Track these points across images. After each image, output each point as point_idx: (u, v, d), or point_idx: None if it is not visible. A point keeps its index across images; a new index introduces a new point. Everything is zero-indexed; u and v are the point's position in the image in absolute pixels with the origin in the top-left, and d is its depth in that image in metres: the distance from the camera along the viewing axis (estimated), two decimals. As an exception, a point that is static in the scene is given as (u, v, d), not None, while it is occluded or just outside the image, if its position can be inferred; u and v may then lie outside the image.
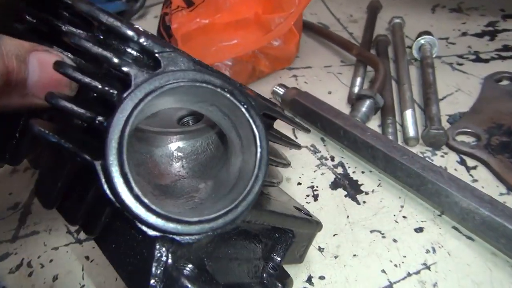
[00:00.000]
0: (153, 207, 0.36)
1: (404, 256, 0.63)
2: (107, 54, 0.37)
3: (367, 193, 0.74)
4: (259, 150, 0.39)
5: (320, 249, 0.65)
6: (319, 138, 0.87)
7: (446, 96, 0.93)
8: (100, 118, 0.37)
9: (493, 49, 1.06)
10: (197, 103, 0.42)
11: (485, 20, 1.18)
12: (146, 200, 0.35)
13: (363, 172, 0.78)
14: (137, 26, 0.38)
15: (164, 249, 0.38)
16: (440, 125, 0.80)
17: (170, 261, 0.38)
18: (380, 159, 0.74)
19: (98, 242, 0.44)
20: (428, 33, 1.06)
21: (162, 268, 0.38)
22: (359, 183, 0.76)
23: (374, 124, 0.88)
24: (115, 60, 0.37)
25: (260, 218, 0.48)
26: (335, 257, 0.64)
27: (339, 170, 0.79)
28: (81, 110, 0.37)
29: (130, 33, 0.37)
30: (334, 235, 0.67)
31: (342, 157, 0.81)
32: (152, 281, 0.38)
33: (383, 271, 0.61)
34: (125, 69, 0.37)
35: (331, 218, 0.70)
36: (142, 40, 0.38)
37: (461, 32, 1.15)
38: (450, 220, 0.67)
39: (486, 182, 0.72)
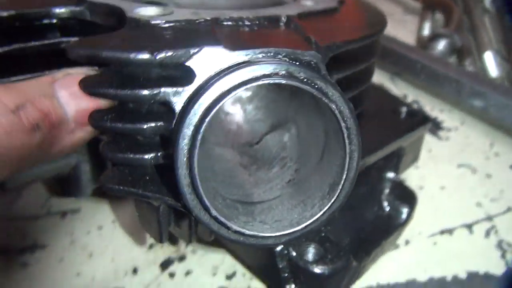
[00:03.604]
0: (223, 220, 0.32)
1: (502, 191, 0.55)
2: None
3: (449, 130, 0.66)
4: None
5: (402, 180, 0.57)
6: (388, 78, 0.79)
7: (528, 44, 0.84)
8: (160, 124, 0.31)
9: None
10: None
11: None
12: (215, 213, 0.31)
13: (442, 111, 0.70)
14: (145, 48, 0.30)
15: (281, 246, 0.39)
16: (529, 66, 0.72)
17: (293, 252, 0.41)
18: (466, 93, 0.66)
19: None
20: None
21: (285, 262, 0.41)
22: (439, 120, 0.68)
23: (449, 66, 0.79)
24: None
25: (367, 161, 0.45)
26: (420, 188, 0.56)
27: (414, 107, 0.71)
28: (133, 126, 0.31)
29: (144, 57, 0.29)
30: (416, 168, 0.59)
31: (417, 96, 0.73)
32: (282, 275, 0.41)
33: (479, 204, 0.54)
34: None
35: (411, 151, 0.62)
36: (162, 55, 0.29)
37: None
38: (551, 158, 0.59)
39: None
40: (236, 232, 0.32)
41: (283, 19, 0.35)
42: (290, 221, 0.34)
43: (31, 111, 0.30)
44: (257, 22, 0.35)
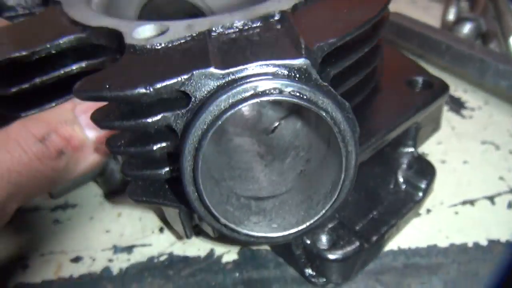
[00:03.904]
0: (233, 226, 0.35)
1: (526, 167, 0.55)
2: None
3: (472, 109, 0.66)
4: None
5: (424, 154, 0.58)
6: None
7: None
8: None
9: None
10: None
11: None
12: (224, 221, 0.34)
13: (465, 91, 0.70)
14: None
15: None
16: (556, 49, 0.71)
17: (307, 240, 0.43)
18: (490, 73, 0.66)
19: None
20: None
21: (301, 250, 0.43)
22: (462, 100, 0.68)
23: (474, 50, 0.79)
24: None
25: (369, 153, 0.44)
26: (442, 162, 0.57)
27: (437, 88, 0.71)
28: (143, 149, 0.34)
29: (140, 91, 0.31)
30: (438, 144, 0.60)
31: (440, 77, 0.73)
32: (300, 261, 0.44)
33: (501, 178, 0.54)
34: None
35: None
36: (156, 87, 0.31)
37: None
38: None
39: None
40: (246, 235, 0.35)
41: (277, 17, 0.36)
42: (296, 219, 0.37)
43: (56, 139, 0.35)
44: (249, 26, 0.36)
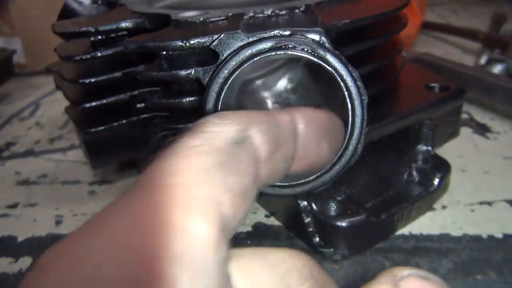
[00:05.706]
0: None
1: (550, 179, 0.54)
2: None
3: (498, 133, 0.67)
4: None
5: (444, 164, 0.59)
6: (440, 94, 0.82)
7: None
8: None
9: None
10: None
11: None
12: None
13: (492, 119, 0.71)
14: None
15: (305, 202, 0.44)
16: None
17: (315, 207, 0.45)
18: (516, 100, 0.68)
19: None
20: None
21: (310, 218, 0.45)
22: (488, 126, 0.69)
23: (504, 88, 0.81)
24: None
25: (382, 132, 0.46)
26: (462, 170, 0.58)
27: (464, 116, 0.73)
28: (174, 101, 0.41)
29: (178, 44, 0.38)
30: (460, 157, 0.61)
31: (468, 108, 0.76)
32: (308, 229, 0.45)
33: (524, 187, 0.54)
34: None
35: (454, 143, 0.62)
36: (191, 42, 0.37)
37: None
38: None
39: None
40: None
41: (302, 8, 0.42)
42: (305, 176, 0.38)
43: None
44: (277, 13, 0.41)
